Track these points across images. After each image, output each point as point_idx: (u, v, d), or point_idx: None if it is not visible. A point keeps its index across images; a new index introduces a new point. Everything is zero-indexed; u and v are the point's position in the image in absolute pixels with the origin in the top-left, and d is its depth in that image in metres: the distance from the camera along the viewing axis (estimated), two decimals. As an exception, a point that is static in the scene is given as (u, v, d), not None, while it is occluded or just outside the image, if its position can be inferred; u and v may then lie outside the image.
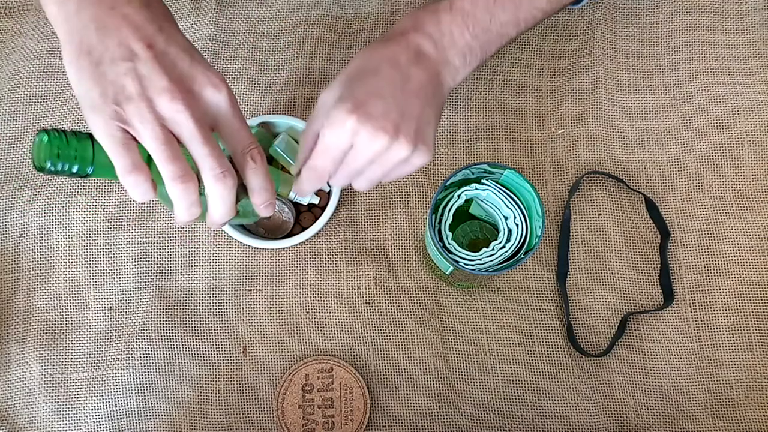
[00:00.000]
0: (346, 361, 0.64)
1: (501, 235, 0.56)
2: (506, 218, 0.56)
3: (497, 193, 0.56)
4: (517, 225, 0.55)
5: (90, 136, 0.44)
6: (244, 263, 0.66)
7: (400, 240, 0.67)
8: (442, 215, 0.56)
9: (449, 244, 0.55)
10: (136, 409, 0.64)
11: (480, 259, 0.55)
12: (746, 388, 0.64)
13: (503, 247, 0.55)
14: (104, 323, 0.65)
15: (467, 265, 0.55)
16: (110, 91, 0.42)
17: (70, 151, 0.43)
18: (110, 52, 0.42)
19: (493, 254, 0.55)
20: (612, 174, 0.68)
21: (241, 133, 0.46)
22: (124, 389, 0.64)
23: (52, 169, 0.43)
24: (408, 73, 0.50)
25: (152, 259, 0.66)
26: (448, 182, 0.55)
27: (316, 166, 0.50)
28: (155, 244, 0.66)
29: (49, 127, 0.43)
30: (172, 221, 0.67)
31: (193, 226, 0.67)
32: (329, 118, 0.48)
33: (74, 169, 0.43)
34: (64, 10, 0.44)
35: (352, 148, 0.49)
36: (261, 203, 0.48)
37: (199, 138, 0.43)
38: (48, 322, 0.65)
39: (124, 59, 0.42)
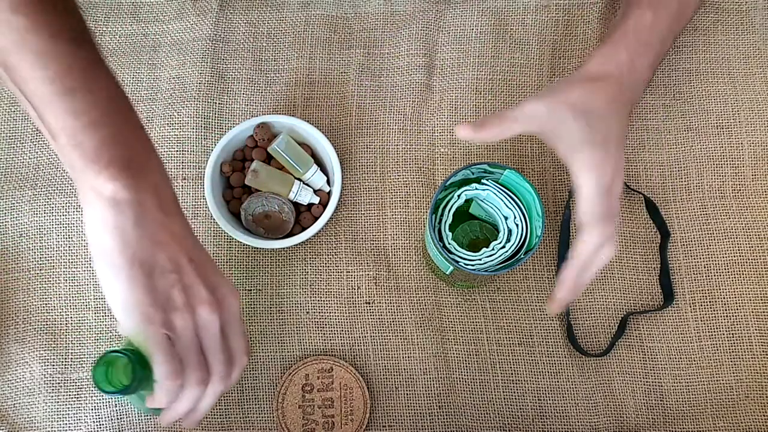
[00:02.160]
0: (346, 361, 0.64)
1: (501, 235, 0.56)
2: (506, 218, 0.56)
3: (497, 193, 0.56)
4: (517, 225, 0.55)
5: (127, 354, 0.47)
6: (244, 263, 0.66)
7: (400, 240, 0.67)
8: (442, 215, 0.56)
9: (449, 244, 0.55)
10: (136, 409, 0.64)
11: (480, 259, 0.55)
12: (746, 388, 0.64)
13: (503, 247, 0.55)
14: (104, 323, 0.65)
15: (467, 265, 0.55)
16: (161, 301, 0.46)
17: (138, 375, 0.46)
18: (161, 265, 0.46)
19: (493, 254, 0.55)
20: (612, 174, 0.67)
21: (241, 340, 0.50)
22: (124, 389, 0.64)
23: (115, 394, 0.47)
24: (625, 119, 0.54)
25: (152, 259, 0.66)
26: (448, 182, 0.55)
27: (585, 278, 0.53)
28: (155, 244, 0.66)
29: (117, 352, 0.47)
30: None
31: (192, 225, 0.67)
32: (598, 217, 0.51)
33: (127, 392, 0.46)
34: (121, 221, 0.45)
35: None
36: (164, 403, 0.48)
37: (219, 345, 0.48)
38: (48, 322, 0.65)
39: (172, 271, 0.47)
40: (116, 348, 0.47)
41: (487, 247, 0.55)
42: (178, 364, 0.47)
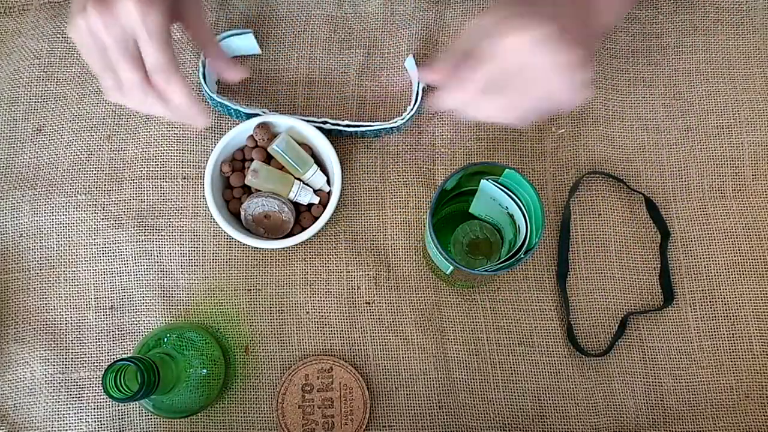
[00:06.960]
0: (346, 361, 0.64)
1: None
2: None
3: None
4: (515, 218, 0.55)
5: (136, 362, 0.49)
6: (244, 263, 0.66)
7: (400, 240, 0.67)
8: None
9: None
10: (137, 409, 0.64)
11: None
12: (746, 388, 0.64)
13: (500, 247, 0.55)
14: (105, 323, 0.65)
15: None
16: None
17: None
18: None
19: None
20: (612, 174, 0.68)
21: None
22: (124, 389, 0.64)
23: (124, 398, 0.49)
24: None
25: (152, 258, 0.66)
26: (448, 182, 0.55)
27: None
28: (155, 243, 0.66)
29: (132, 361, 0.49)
30: (171, 220, 0.67)
31: (192, 225, 0.67)
32: None
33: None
34: None
35: None
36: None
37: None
38: (48, 322, 0.65)
39: None
40: (125, 356, 0.48)
41: (488, 247, 0.55)
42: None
